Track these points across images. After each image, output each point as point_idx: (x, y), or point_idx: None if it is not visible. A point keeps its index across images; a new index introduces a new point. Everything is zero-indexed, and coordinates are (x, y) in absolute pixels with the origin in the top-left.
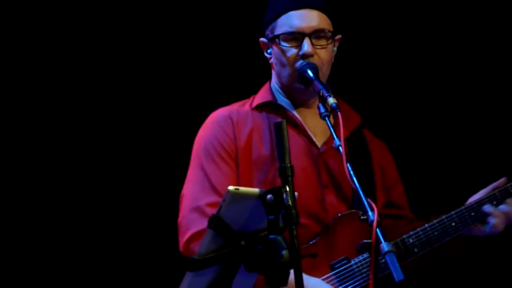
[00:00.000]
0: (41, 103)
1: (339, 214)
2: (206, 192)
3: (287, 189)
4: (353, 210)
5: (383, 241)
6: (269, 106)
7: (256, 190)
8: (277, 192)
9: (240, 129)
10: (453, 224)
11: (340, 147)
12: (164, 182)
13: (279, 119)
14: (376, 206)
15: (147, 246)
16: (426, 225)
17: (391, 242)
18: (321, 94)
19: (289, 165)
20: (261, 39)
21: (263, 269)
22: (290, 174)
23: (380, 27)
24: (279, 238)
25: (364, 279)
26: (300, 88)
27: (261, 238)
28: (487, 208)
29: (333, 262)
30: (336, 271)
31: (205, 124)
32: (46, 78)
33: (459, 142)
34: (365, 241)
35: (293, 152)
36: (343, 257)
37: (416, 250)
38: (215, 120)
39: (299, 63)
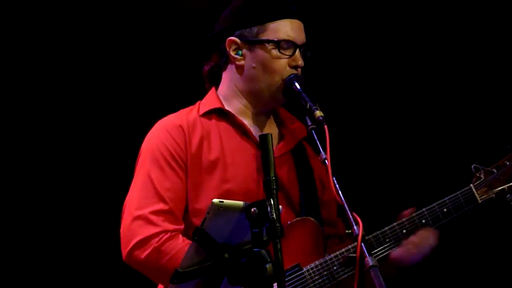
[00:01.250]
0: (32, 105)
1: (288, 223)
2: (151, 200)
3: (272, 202)
4: (303, 217)
5: (368, 255)
6: (218, 113)
7: (240, 203)
8: (262, 205)
9: (191, 137)
10: (404, 231)
11: (326, 161)
12: None
13: (229, 126)
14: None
15: None
16: (377, 232)
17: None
18: (308, 106)
19: (273, 178)
20: (232, 37)
21: (247, 282)
22: (274, 187)
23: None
24: (263, 251)
25: (316, 286)
26: (280, 99)
27: (245, 251)
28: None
29: (284, 269)
30: (288, 278)
31: (153, 131)
32: (42, 78)
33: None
34: (350, 255)
35: (242, 159)
36: (294, 264)
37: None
38: (165, 127)
39: (287, 72)
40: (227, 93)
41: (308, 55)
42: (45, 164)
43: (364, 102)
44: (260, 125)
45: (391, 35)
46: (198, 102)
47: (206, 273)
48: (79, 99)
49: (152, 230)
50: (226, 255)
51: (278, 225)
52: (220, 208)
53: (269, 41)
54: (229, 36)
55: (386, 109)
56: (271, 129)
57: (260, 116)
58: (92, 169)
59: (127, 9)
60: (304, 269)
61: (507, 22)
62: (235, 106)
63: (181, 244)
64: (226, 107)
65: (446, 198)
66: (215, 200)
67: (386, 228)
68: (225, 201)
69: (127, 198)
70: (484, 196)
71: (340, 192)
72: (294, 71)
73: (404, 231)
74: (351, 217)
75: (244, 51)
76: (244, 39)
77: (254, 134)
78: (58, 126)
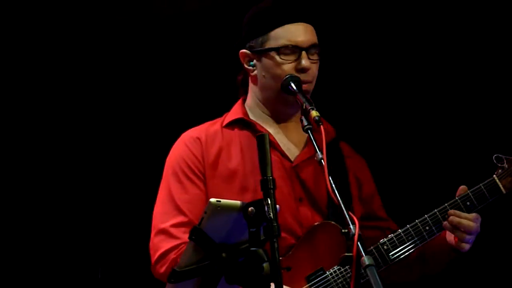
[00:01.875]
0: (28, 105)
1: (312, 226)
2: (171, 214)
3: (269, 201)
4: (327, 221)
5: (364, 255)
6: (241, 123)
7: (237, 202)
8: (259, 204)
9: (208, 148)
10: (427, 227)
11: (322, 161)
12: (144, 194)
13: (251, 135)
14: (358, 220)
15: (127, 256)
16: (399, 230)
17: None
18: (304, 107)
19: (270, 177)
20: (243, 50)
21: (244, 281)
22: (271, 186)
23: (360, 37)
24: (260, 250)
25: None
26: (285, 98)
27: (242, 250)
28: (446, 223)
29: (309, 274)
30: (312, 282)
31: (174, 146)
32: (42, 78)
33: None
34: (346, 254)
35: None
36: (318, 268)
37: (391, 256)
38: (183, 141)
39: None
40: (250, 104)
41: (319, 51)
42: (42, 164)
43: (378, 98)
44: (286, 132)
45: (393, 34)
46: (225, 114)
47: (203, 272)
48: (76, 100)
49: (172, 243)
50: (223, 254)
51: (275, 224)
52: (218, 207)
53: (271, 49)
54: (241, 49)
55: (401, 103)
56: (298, 135)
57: (284, 123)
58: (90, 168)
59: (122, 10)
60: (328, 273)
61: (507, 21)
62: (259, 115)
63: None
64: (251, 117)
65: (468, 191)
66: (213, 200)
67: (408, 225)
68: (223, 200)
69: (153, 213)
70: (509, 186)
71: (336, 192)
72: (302, 75)
73: (427, 227)
74: (347, 216)
75: (255, 61)
76: (253, 50)
77: (278, 142)
78: (52, 125)
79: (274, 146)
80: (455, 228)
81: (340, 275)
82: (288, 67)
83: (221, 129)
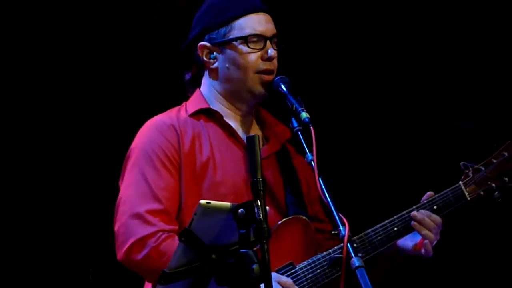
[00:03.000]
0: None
1: (280, 222)
2: (147, 199)
3: (259, 203)
4: (295, 216)
5: (353, 256)
6: (205, 113)
7: (227, 204)
8: (248, 206)
9: (183, 137)
10: (395, 228)
11: (312, 162)
12: None
13: (216, 127)
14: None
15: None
16: (369, 230)
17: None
18: (294, 108)
19: (260, 179)
20: (202, 42)
21: (234, 283)
22: (261, 188)
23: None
24: (250, 252)
25: (310, 284)
26: (258, 92)
27: (232, 252)
28: (416, 213)
29: (278, 268)
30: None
31: (145, 130)
32: (35, 78)
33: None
34: (335, 255)
35: (230, 160)
36: (287, 262)
37: (359, 254)
38: (157, 126)
39: (260, 66)
40: (209, 96)
41: (283, 46)
42: (33, 165)
43: (352, 101)
44: (245, 126)
45: (381, 34)
46: (184, 103)
47: (193, 273)
48: (67, 97)
49: (149, 229)
50: (213, 255)
51: (265, 226)
52: (207, 209)
53: (237, 39)
54: (199, 42)
55: (374, 107)
56: (255, 131)
57: (244, 118)
58: (81, 169)
59: (115, 11)
60: (297, 267)
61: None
62: (219, 108)
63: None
64: (212, 107)
65: (436, 196)
66: (202, 201)
67: (378, 225)
68: (212, 202)
69: (120, 196)
70: (473, 194)
71: (326, 193)
72: (268, 64)
73: (396, 228)
74: (337, 218)
75: (216, 53)
76: (213, 42)
77: (240, 136)
78: (44, 124)
79: (237, 139)
80: (421, 224)
81: (310, 270)
82: (255, 56)
83: (188, 117)
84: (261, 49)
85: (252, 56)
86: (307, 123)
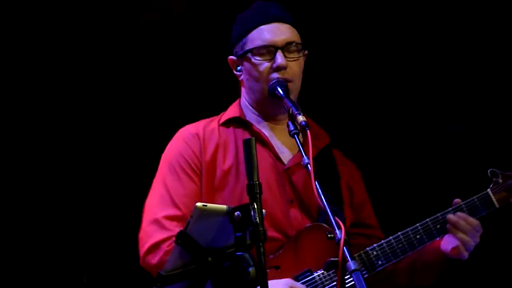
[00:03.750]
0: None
1: (303, 227)
2: (165, 206)
3: (255, 206)
4: (317, 223)
5: (350, 259)
6: (237, 122)
7: (223, 206)
8: (245, 209)
9: (206, 145)
10: (418, 236)
11: (308, 165)
12: (131, 196)
13: (246, 135)
14: (344, 225)
15: (113, 260)
16: (390, 237)
17: (355, 254)
18: (290, 112)
19: (257, 182)
20: (230, 57)
21: (230, 286)
22: (258, 191)
23: (345, 42)
24: (246, 255)
25: None
26: (272, 101)
27: (228, 254)
28: (452, 216)
29: (296, 274)
30: (300, 283)
31: (172, 141)
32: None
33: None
34: (332, 259)
35: (260, 168)
36: (306, 269)
37: (380, 262)
38: (182, 137)
39: (272, 76)
40: (244, 106)
41: (300, 49)
42: (28, 167)
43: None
44: (279, 135)
45: (378, 36)
46: (222, 113)
47: (189, 276)
48: (62, 102)
49: (164, 234)
50: (209, 258)
51: (261, 229)
52: (204, 212)
53: (247, 51)
54: (229, 56)
55: (394, 113)
56: (291, 139)
57: (276, 126)
58: (77, 172)
59: (108, 15)
60: (315, 274)
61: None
62: (252, 117)
63: None
64: (247, 117)
65: (462, 203)
66: (199, 204)
67: (399, 233)
68: (209, 205)
69: (145, 205)
70: (502, 200)
71: (322, 197)
72: (279, 73)
73: (418, 236)
74: (333, 221)
75: (241, 66)
76: (237, 55)
77: (272, 144)
78: (38, 126)
79: (269, 147)
80: (456, 227)
81: (328, 277)
82: (265, 67)
83: (218, 127)
84: (270, 60)
85: (262, 67)
86: (303, 126)
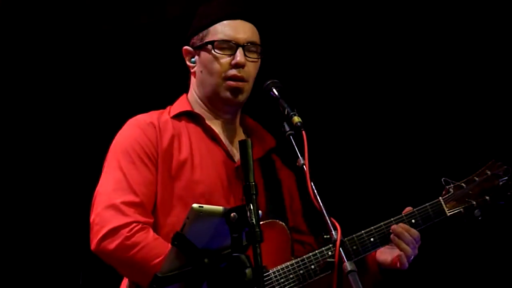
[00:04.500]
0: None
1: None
2: (123, 192)
3: (251, 207)
4: (273, 220)
5: (346, 260)
6: (188, 116)
7: (219, 208)
8: (241, 210)
9: (162, 134)
10: (372, 239)
11: (304, 166)
12: None
13: (198, 129)
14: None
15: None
16: (345, 239)
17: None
18: (286, 112)
19: (253, 183)
20: (186, 47)
21: (227, 287)
22: (254, 192)
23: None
24: (243, 256)
25: None
26: (228, 99)
27: (224, 256)
28: (396, 227)
29: None
30: None
31: (125, 128)
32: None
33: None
34: (328, 260)
35: (210, 162)
36: None
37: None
38: (137, 124)
39: (229, 72)
40: (192, 100)
41: (259, 51)
42: (24, 168)
43: (338, 110)
44: (228, 132)
45: (368, 37)
46: (169, 107)
47: (186, 278)
48: (56, 103)
49: (124, 220)
50: (206, 260)
51: (257, 230)
52: (200, 213)
53: (207, 43)
54: (184, 46)
55: (361, 117)
56: (240, 137)
57: (226, 123)
58: (72, 172)
59: (104, 18)
60: (270, 271)
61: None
62: (202, 112)
63: (151, 239)
64: (196, 111)
65: (415, 209)
66: (195, 205)
67: (354, 235)
68: (205, 206)
69: (97, 190)
70: (453, 210)
71: (318, 198)
72: (236, 70)
73: (372, 239)
74: (329, 222)
75: (196, 57)
76: (194, 46)
77: (223, 141)
78: (33, 126)
79: (220, 144)
80: (400, 238)
81: (283, 275)
82: (224, 61)
83: (170, 119)
84: (230, 55)
85: (221, 61)
86: (299, 127)
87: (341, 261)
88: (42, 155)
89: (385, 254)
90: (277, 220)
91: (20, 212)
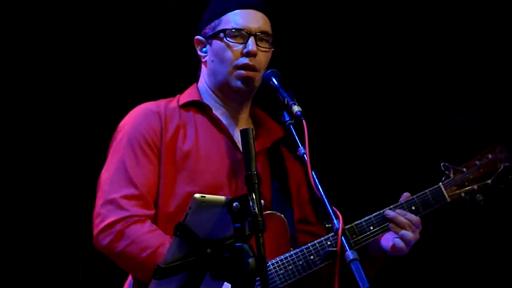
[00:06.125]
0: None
1: None
2: (122, 185)
3: (253, 196)
4: (272, 212)
5: (348, 249)
6: (196, 106)
7: (222, 198)
8: (243, 199)
9: (167, 124)
10: (371, 227)
11: (305, 155)
12: None
13: (205, 120)
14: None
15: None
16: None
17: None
18: (285, 102)
19: (255, 172)
20: (197, 37)
21: (230, 277)
22: (256, 181)
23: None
24: (245, 245)
25: (281, 280)
26: (239, 88)
27: (227, 246)
28: (390, 212)
29: None
30: None
31: (131, 116)
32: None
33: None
34: (330, 249)
35: (215, 153)
36: None
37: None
38: (142, 113)
39: (240, 61)
40: (202, 90)
41: (271, 42)
42: (23, 164)
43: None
44: (236, 123)
45: (365, 33)
46: (178, 95)
47: (188, 268)
48: (55, 97)
49: (120, 214)
50: (208, 250)
51: (260, 219)
52: (202, 203)
53: (219, 31)
54: (196, 36)
55: (358, 105)
56: (244, 125)
57: (235, 114)
58: (71, 168)
59: (102, 10)
60: (269, 263)
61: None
62: (211, 103)
63: (145, 230)
64: (205, 101)
65: (414, 196)
66: (197, 195)
67: (353, 224)
68: (207, 196)
69: (100, 179)
70: (453, 195)
71: (319, 187)
72: (246, 60)
73: (372, 227)
74: (330, 211)
75: (208, 47)
76: (206, 36)
77: (229, 131)
78: (31, 125)
79: (227, 135)
80: (395, 223)
81: (282, 266)
82: (236, 50)
83: (178, 108)
84: (242, 44)
85: (233, 50)
86: (299, 116)
87: (343, 250)
88: (41, 149)
89: (388, 241)
90: (276, 212)
91: (20, 207)
